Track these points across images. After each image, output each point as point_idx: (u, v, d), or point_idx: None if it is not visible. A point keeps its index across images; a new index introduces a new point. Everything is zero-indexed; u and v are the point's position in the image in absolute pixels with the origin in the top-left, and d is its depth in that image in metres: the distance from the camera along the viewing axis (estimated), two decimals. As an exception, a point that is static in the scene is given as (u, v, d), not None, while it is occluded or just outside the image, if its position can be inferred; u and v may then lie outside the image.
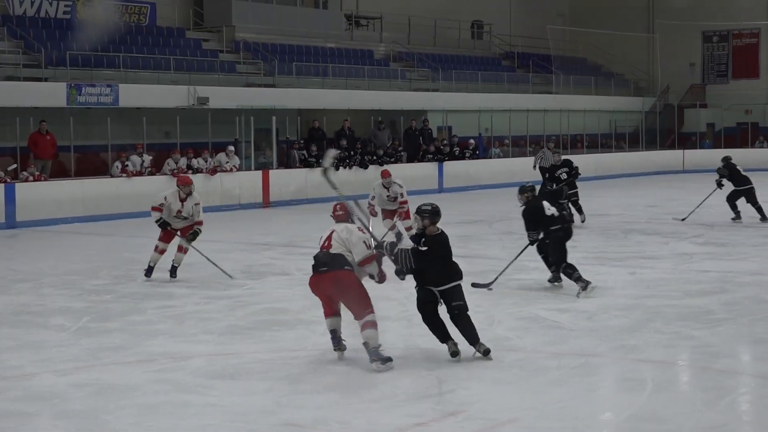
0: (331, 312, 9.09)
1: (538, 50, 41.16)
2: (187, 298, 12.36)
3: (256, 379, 8.40)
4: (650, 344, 9.56)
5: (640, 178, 21.20)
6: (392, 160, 29.27)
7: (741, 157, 38.02)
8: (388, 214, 17.37)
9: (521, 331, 10.28)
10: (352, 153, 28.32)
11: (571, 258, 12.54)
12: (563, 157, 21.16)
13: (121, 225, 21.18)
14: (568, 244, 12.59)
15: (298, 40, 32.41)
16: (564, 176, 19.85)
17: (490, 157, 33.17)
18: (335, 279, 8.82)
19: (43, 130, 23.30)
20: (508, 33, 41.73)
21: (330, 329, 9.13)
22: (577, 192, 20.12)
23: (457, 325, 9.09)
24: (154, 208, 13.63)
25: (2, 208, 21.14)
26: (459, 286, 9.18)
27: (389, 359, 8.72)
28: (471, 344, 9.01)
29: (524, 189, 12.76)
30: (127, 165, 23.69)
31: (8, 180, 21.83)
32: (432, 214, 9.15)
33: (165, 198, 13.52)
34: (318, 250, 8.99)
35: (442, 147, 31.05)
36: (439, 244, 9.15)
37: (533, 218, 12.55)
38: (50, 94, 23.83)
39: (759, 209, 20.06)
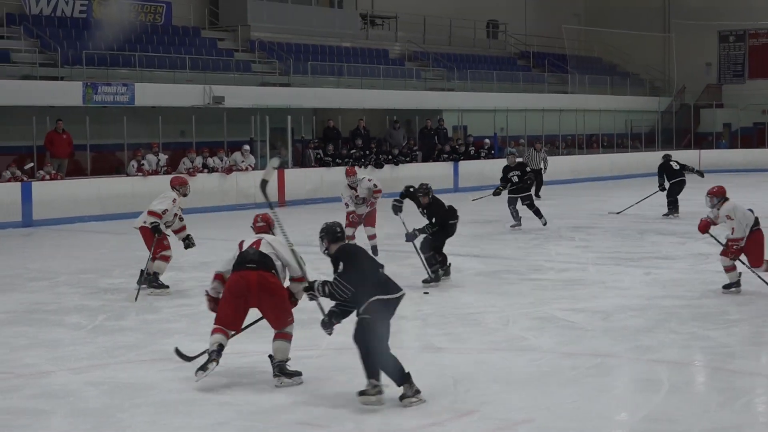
0: (234, 325, 8.46)
1: (554, 50, 41.07)
2: (202, 297, 12.29)
3: (271, 378, 8.39)
4: (665, 345, 9.54)
5: (656, 179, 21.21)
6: (407, 159, 29.29)
7: (758, 156, 38.24)
8: (351, 222, 15.44)
9: (536, 331, 10.26)
10: (367, 152, 28.34)
11: (587, 258, 12.55)
12: (518, 160, 20.92)
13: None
14: (580, 244, 12.56)
15: (314, 40, 32.42)
16: (515, 179, 19.61)
17: (506, 157, 33.08)
18: (263, 279, 8.26)
19: (60, 129, 23.39)
20: (523, 32, 41.67)
21: (219, 344, 8.31)
22: (530, 196, 19.75)
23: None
24: (152, 213, 12.64)
25: (19, 207, 21.23)
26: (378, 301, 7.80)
27: (298, 374, 8.27)
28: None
29: (427, 190, 13.22)
30: (143, 164, 23.75)
31: (25, 179, 21.92)
32: (326, 232, 8.12)
33: (165, 211, 12.64)
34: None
35: (457, 146, 31.04)
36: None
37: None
38: (66, 93, 23.89)
39: (672, 202, 21.32)
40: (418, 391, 7.60)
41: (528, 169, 20.17)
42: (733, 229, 11.70)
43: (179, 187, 13.00)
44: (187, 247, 13.16)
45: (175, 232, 13.09)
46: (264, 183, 8.58)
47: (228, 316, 8.39)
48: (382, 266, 7.98)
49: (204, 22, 31.46)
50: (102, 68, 25.45)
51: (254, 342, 9.84)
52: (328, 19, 33.82)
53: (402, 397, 7.57)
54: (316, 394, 7.95)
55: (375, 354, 7.62)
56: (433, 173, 28.96)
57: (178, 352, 8.68)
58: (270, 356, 8.33)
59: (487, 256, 15.90)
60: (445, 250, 13.26)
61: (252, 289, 8.28)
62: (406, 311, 11.19)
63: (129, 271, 14.36)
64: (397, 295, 7.86)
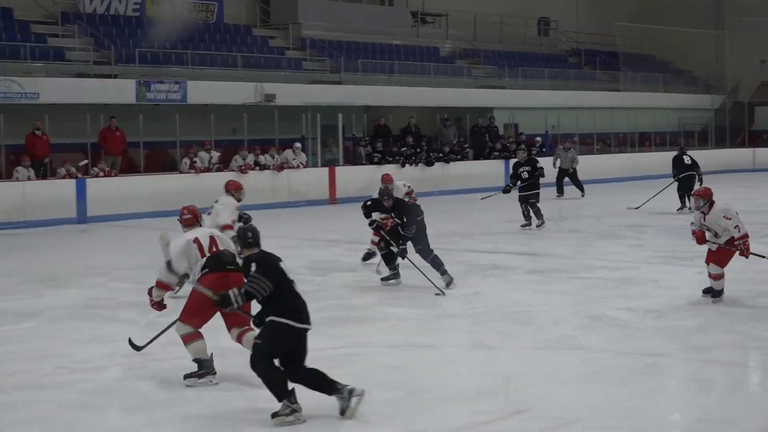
0: (199, 323, 8.43)
1: (605, 47, 40.79)
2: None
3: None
4: (719, 345, 9.46)
5: (710, 177, 21.02)
6: (458, 157, 29.24)
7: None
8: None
9: (587, 329, 10.22)
10: (417, 150, 28.34)
11: (639, 257, 12.46)
12: (523, 155, 20.38)
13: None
14: (632, 242, 12.48)
15: (365, 38, 32.46)
16: (525, 175, 19.42)
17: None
18: (239, 280, 8.03)
19: (113, 126, 23.63)
20: (574, 30, 41.43)
21: (205, 357, 8.33)
22: (537, 194, 19.39)
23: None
24: (227, 227, 11.92)
25: (74, 204, 21.50)
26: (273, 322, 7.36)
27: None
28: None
29: (389, 193, 12.96)
30: (195, 161, 23.93)
31: (79, 175, 22.19)
32: (238, 236, 7.72)
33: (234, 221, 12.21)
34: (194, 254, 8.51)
35: (508, 144, 30.94)
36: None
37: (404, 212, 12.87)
38: (120, 90, 24.12)
39: (681, 197, 21.16)
40: (294, 411, 7.17)
41: (539, 165, 19.84)
42: (737, 227, 11.24)
43: (235, 192, 12.77)
44: None
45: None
46: (162, 237, 8.40)
47: (202, 316, 8.42)
48: (293, 282, 7.45)
49: (255, 20, 31.61)
50: (155, 66, 25.66)
51: (308, 339, 9.88)
52: (379, 17, 33.85)
53: (274, 415, 7.19)
54: (368, 391, 7.92)
55: (274, 378, 7.21)
56: (484, 171, 28.93)
57: (130, 342, 8.78)
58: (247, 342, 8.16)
59: (537, 254, 15.85)
60: (500, 248, 13.23)
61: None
62: (456, 309, 11.23)
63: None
64: (300, 326, 7.35)
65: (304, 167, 25.94)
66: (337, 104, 27.76)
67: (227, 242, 8.72)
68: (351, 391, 7.24)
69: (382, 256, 13.10)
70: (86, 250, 17.72)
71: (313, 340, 9.70)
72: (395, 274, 13.08)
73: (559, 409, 7.42)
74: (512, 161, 20.28)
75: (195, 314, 8.38)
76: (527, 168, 19.47)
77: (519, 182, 19.46)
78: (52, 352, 9.32)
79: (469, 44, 36.17)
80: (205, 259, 8.46)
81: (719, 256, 11.44)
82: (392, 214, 13.09)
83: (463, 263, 14.60)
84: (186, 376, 8.25)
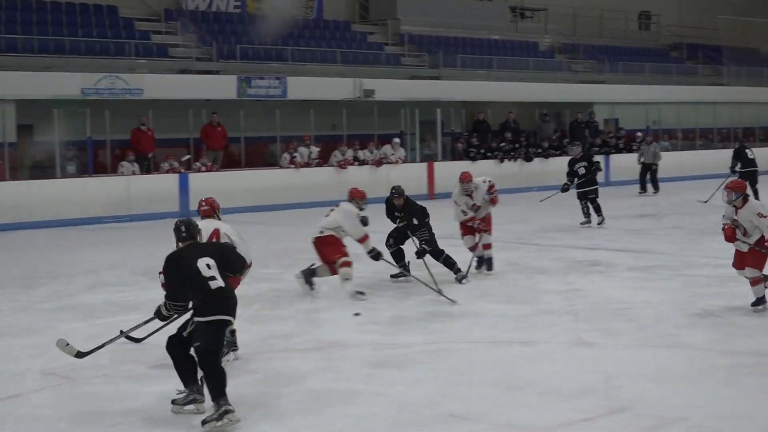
0: None
1: (708, 41, 40.09)
2: (354, 287, 12.42)
3: (421, 370, 8.44)
4: (828, 344, 9.24)
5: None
6: (557, 153, 29.02)
7: None
8: (469, 230, 13.66)
9: (690, 327, 10.06)
10: (516, 146, 28.21)
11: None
12: (577, 149, 19.93)
13: (290, 215, 21.58)
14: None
15: (463, 32, 32.40)
16: (582, 171, 19.01)
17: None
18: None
19: (215, 121, 23.96)
20: (676, 23, 40.78)
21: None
22: (596, 190, 18.95)
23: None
24: (365, 239, 12.13)
25: (176, 198, 21.86)
26: (199, 323, 7.30)
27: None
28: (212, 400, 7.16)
29: (401, 192, 13.23)
30: (295, 156, 24.14)
31: (182, 170, 22.54)
32: (174, 231, 7.61)
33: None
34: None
35: (608, 140, 30.60)
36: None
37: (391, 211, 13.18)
38: (221, 86, 24.46)
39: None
40: (225, 412, 6.95)
41: (595, 160, 19.50)
42: None
43: (360, 200, 12.47)
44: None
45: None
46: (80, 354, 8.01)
47: None
48: (211, 278, 7.26)
49: (354, 16, 31.78)
50: (255, 62, 25.96)
51: (407, 333, 9.92)
52: (478, 12, 33.75)
53: (204, 422, 6.98)
54: (467, 387, 7.95)
55: (217, 375, 7.12)
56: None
57: (123, 333, 8.43)
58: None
59: (639, 251, 15.65)
60: (600, 245, 13.09)
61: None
62: (556, 306, 11.15)
63: (284, 261, 14.63)
64: (213, 318, 7.20)
65: (403, 162, 26.00)
66: (435, 99, 27.74)
67: (234, 238, 8.87)
68: (226, 412, 6.96)
69: (390, 253, 12.96)
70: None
71: (412, 335, 9.74)
72: (405, 271, 13.00)
73: (661, 408, 7.32)
74: (595, 158, 19.88)
75: None
76: (583, 164, 19.11)
77: (576, 179, 19.08)
78: (155, 344, 9.46)
79: (568, 39, 35.86)
80: None
81: (755, 259, 10.62)
82: (399, 213, 13.08)
83: (563, 260, 14.50)
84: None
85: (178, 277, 7.35)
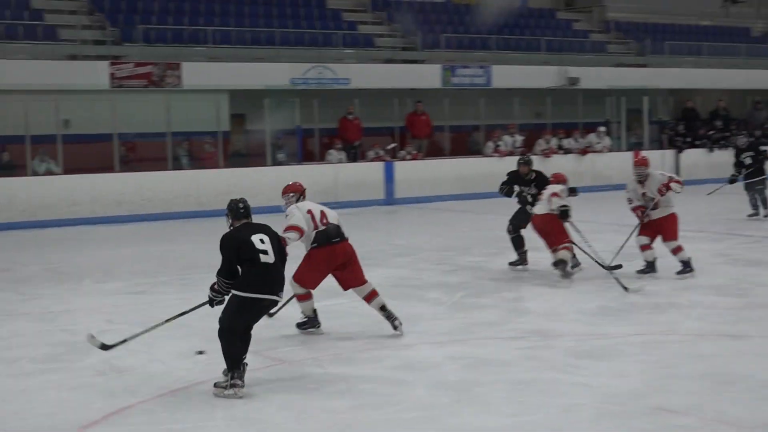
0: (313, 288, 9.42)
1: None
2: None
3: (627, 362, 8.33)
4: None
5: None
6: (769, 141, 28.04)
7: None
8: (645, 228, 12.43)
9: None
10: (726, 135, 27.40)
11: None
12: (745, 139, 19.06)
13: (493, 203, 21.52)
14: None
15: (671, 18, 31.68)
16: (748, 161, 18.09)
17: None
18: (346, 248, 9.30)
19: (419, 110, 24.23)
20: None
21: (312, 310, 9.47)
22: (764, 180, 18.05)
23: None
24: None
25: (382, 186, 22.26)
26: (234, 296, 7.59)
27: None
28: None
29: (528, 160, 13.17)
30: (499, 145, 24.17)
31: (387, 158, 22.88)
32: (228, 208, 7.83)
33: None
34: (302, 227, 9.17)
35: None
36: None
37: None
38: (425, 75, 24.71)
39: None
40: (234, 386, 7.39)
41: (762, 149, 18.58)
42: None
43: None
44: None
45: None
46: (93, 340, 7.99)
47: (316, 282, 9.40)
48: (273, 261, 7.60)
49: (560, 3, 31.53)
50: (460, 51, 26.08)
51: (612, 324, 9.82)
52: (687, -3, 32.95)
53: (217, 384, 7.49)
54: (675, 380, 7.80)
55: (234, 351, 7.47)
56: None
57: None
58: (382, 307, 9.36)
59: None
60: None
61: (340, 259, 9.26)
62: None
63: (488, 249, 14.69)
64: (248, 295, 7.49)
65: (609, 151, 25.66)
66: (641, 87, 27.23)
67: (333, 215, 9.47)
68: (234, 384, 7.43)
69: (511, 239, 12.98)
70: (395, 231, 18.31)
71: (617, 326, 9.63)
72: (523, 260, 12.95)
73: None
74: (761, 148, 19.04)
75: (309, 276, 9.34)
76: (750, 153, 18.35)
77: (744, 170, 18.33)
78: (363, 330, 9.67)
79: (783, 23, 34.58)
80: (315, 233, 9.21)
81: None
82: (531, 182, 12.88)
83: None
84: (298, 325, 9.49)
85: (237, 254, 7.51)
